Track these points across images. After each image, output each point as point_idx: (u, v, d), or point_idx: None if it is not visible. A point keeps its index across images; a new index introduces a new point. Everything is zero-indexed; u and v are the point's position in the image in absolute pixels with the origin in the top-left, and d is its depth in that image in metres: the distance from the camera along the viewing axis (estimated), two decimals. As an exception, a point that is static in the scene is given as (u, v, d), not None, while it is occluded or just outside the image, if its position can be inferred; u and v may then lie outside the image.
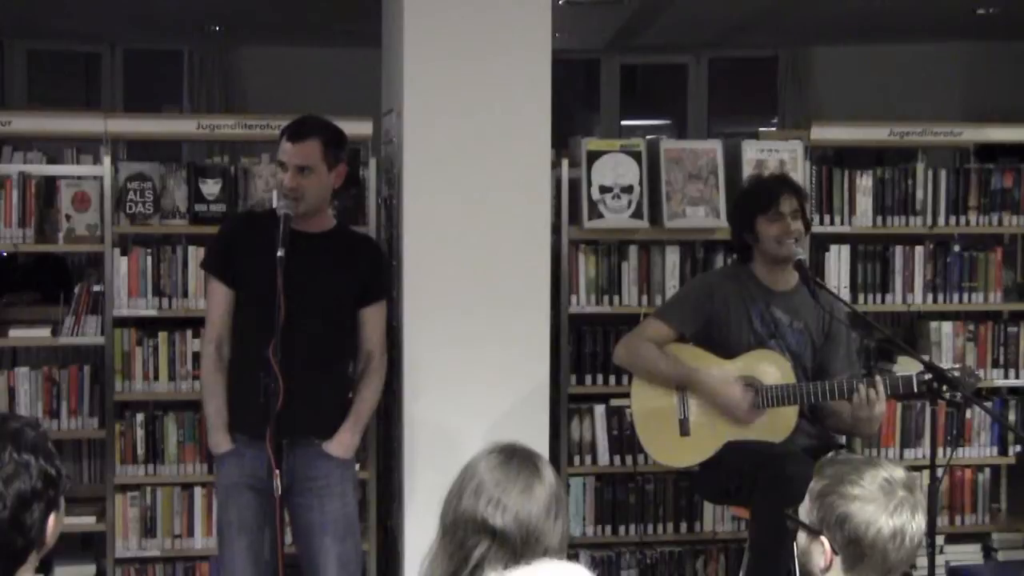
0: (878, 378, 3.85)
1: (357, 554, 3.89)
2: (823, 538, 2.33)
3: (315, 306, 3.65)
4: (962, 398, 3.73)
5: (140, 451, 4.66)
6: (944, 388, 3.67)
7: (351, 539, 3.81)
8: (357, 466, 4.64)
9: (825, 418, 4.13)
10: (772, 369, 3.99)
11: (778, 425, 3.97)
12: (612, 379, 4.85)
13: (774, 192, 4.05)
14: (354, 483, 3.90)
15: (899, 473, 2.34)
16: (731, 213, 4.31)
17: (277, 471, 3.54)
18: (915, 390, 3.81)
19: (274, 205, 3.76)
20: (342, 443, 3.78)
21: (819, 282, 3.90)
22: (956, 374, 3.76)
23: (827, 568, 2.35)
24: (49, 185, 4.75)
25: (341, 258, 3.77)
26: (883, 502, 2.28)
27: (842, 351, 4.13)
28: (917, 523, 2.30)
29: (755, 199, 4.09)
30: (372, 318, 3.86)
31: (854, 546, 2.29)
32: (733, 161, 4.89)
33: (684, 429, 4.05)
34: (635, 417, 4.13)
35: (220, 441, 3.74)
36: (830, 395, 3.94)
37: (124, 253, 4.64)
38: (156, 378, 4.66)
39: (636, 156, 4.80)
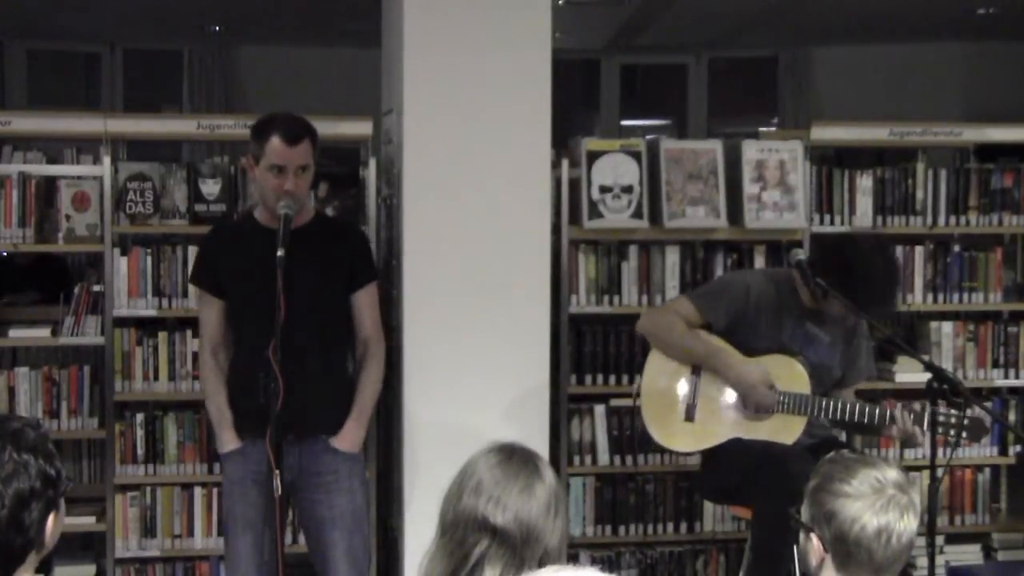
0: (916, 408, 3.83)
1: (366, 547, 3.90)
2: (813, 535, 2.35)
3: (311, 302, 3.65)
4: (963, 400, 3.72)
5: (140, 451, 4.67)
6: (944, 388, 3.65)
7: (359, 533, 3.83)
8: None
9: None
10: (788, 375, 3.94)
11: (784, 432, 3.94)
12: (612, 379, 4.85)
13: (885, 307, 3.98)
14: (362, 477, 3.91)
15: (892, 473, 2.34)
16: (827, 262, 3.92)
17: (277, 471, 3.54)
18: (923, 428, 3.80)
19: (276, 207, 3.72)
20: (348, 437, 3.79)
21: (820, 283, 3.87)
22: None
23: (819, 565, 2.36)
24: (49, 185, 4.76)
25: (327, 248, 3.77)
26: (870, 500, 2.29)
27: (863, 352, 4.11)
28: (906, 523, 2.30)
29: (858, 294, 3.81)
30: (363, 302, 3.85)
31: (840, 543, 2.31)
32: (733, 161, 4.88)
33: (689, 415, 4.03)
34: (642, 393, 4.07)
35: (228, 439, 3.76)
36: (841, 415, 3.89)
37: (124, 253, 4.65)
38: (156, 378, 4.67)
39: (636, 156, 4.80)
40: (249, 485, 3.73)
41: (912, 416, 3.84)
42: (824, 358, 4.02)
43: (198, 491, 4.68)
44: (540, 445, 4.19)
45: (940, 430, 3.68)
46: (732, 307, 4.01)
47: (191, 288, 4.40)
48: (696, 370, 4.02)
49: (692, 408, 4.03)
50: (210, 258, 3.86)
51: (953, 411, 3.75)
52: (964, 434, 3.75)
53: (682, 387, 4.03)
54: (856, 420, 3.90)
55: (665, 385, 4.04)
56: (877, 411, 3.87)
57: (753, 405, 3.92)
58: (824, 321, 4.02)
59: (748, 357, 3.98)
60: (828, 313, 3.98)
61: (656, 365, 4.07)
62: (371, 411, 3.90)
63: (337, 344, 3.85)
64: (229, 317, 3.82)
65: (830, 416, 3.92)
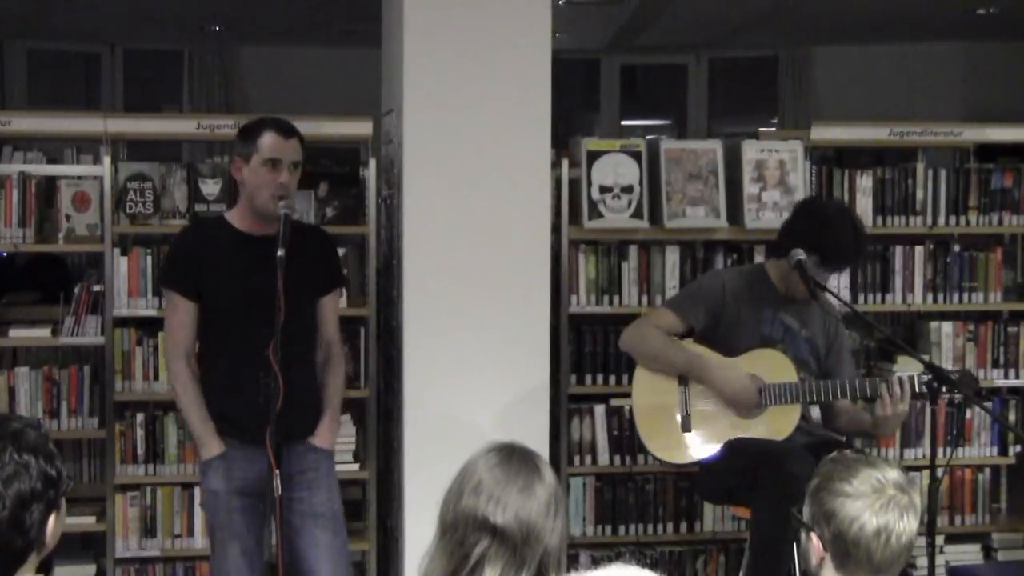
0: (903, 376, 3.85)
1: (347, 546, 3.90)
2: (813, 534, 2.35)
3: (294, 304, 3.63)
4: (963, 397, 3.73)
5: (140, 451, 4.67)
6: (944, 388, 3.66)
7: (340, 532, 3.82)
8: (357, 466, 4.67)
9: (834, 419, 4.14)
10: (774, 367, 3.99)
11: (780, 424, 3.98)
12: (612, 379, 4.85)
13: (848, 261, 4.07)
14: (335, 477, 3.90)
15: (893, 474, 2.35)
16: (797, 228, 4.03)
17: (277, 471, 3.53)
18: (916, 391, 3.83)
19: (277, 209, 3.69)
20: (327, 434, 3.81)
21: (818, 283, 3.89)
22: (955, 376, 3.77)
23: (819, 565, 2.36)
24: (49, 185, 4.76)
25: (303, 252, 3.73)
26: (870, 499, 2.30)
27: (846, 358, 4.15)
28: (906, 524, 2.30)
29: (830, 251, 3.93)
30: (329, 307, 3.89)
31: (840, 542, 2.31)
32: (733, 161, 4.89)
33: (686, 425, 4.05)
34: (635, 411, 4.12)
35: (213, 446, 3.70)
36: (832, 394, 3.94)
37: (124, 253, 4.65)
38: (156, 378, 4.67)
39: (636, 156, 4.80)
40: (233, 496, 3.70)
41: (899, 383, 3.84)
42: (801, 352, 4.06)
43: (198, 491, 4.66)
44: (540, 445, 4.19)
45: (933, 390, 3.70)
46: (710, 305, 4.07)
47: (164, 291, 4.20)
48: (684, 380, 4.06)
49: (687, 419, 4.05)
50: (186, 261, 3.79)
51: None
52: (956, 389, 3.74)
53: (673, 399, 4.06)
54: (846, 397, 3.95)
55: (657, 400, 4.07)
56: (868, 382, 3.92)
57: (742, 406, 3.96)
58: (800, 315, 4.07)
59: (730, 357, 4.01)
60: (806, 307, 4.03)
61: (644, 382, 4.11)
62: (340, 409, 3.93)
63: (312, 347, 3.85)
64: (203, 322, 3.76)
65: (821, 397, 3.95)
